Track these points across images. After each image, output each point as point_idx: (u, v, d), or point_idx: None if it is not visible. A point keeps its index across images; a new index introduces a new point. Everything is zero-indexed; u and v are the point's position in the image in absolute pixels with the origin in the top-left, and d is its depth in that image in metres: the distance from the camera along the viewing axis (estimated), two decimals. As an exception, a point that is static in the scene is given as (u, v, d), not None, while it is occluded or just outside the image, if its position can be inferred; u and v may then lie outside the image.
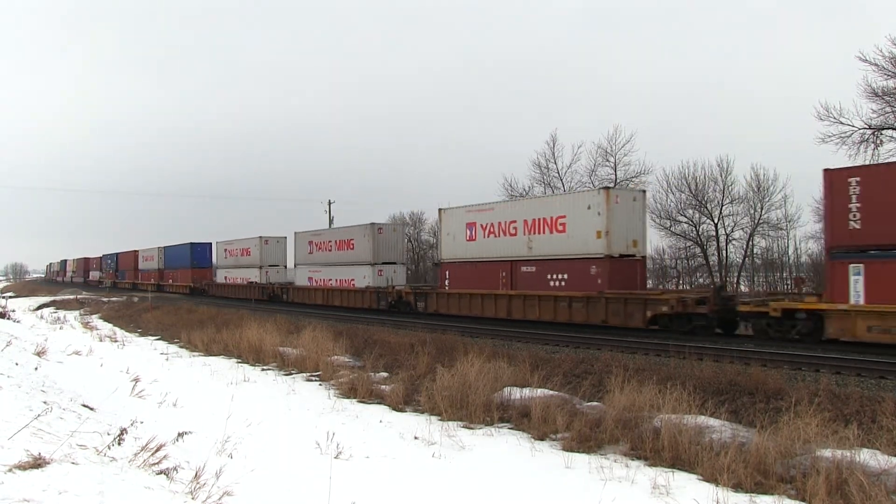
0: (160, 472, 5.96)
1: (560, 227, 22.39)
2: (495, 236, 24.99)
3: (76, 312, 38.87)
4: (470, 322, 24.39)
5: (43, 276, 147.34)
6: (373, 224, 32.73)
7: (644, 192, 23.84)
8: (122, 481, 5.36)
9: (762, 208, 38.10)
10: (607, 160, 39.62)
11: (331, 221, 56.67)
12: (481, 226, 25.68)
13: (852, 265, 15.29)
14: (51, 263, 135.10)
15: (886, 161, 15.96)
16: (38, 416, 6.65)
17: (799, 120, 76.91)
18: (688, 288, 36.36)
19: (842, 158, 33.45)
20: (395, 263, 32.81)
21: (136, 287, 65.55)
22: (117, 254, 75.74)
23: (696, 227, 39.57)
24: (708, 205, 38.86)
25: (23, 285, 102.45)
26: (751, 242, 39.69)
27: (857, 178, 15.40)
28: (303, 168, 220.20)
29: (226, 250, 50.32)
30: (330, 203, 59.35)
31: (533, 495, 7.25)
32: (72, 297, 53.51)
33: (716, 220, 38.83)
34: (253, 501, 6.32)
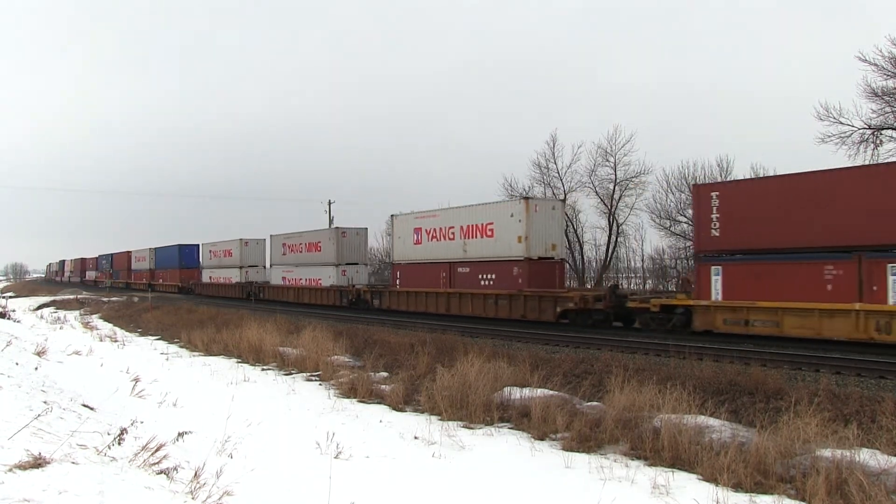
0: (160, 472, 5.96)
1: (489, 233, 25.29)
2: (437, 240, 28.12)
3: (76, 312, 38.88)
4: (417, 317, 27.03)
5: (43, 275, 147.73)
6: (337, 228, 36.06)
7: (563, 201, 26.90)
8: (122, 481, 5.36)
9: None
10: (607, 160, 39.53)
11: (331, 221, 56.60)
12: (426, 231, 28.79)
13: (713, 267, 18.09)
14: (50, 263, 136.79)
15: (742, 178, 19.82)
16: (39, 415, 6.66)
17: (799, 120, 76.89)
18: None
19: (841, 158, 33.43)
20: (357, 264, 36.04)
21: (129, 286, 68.77)
22: (112, 254, 78.85)
23: (696, 227, 39.48)
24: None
25: (23, 285, 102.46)
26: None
27: (717, 193, 18.24)
28: (303, 168, 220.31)
29: (210, 251, 53.59)
30: (330, 203, 59.34)
31: (533, 495, 7.25)
32: (72, 297, 53.51)
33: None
34: (253, 501, 6.32)
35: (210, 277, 52.66)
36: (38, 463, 5.05)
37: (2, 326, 21.46)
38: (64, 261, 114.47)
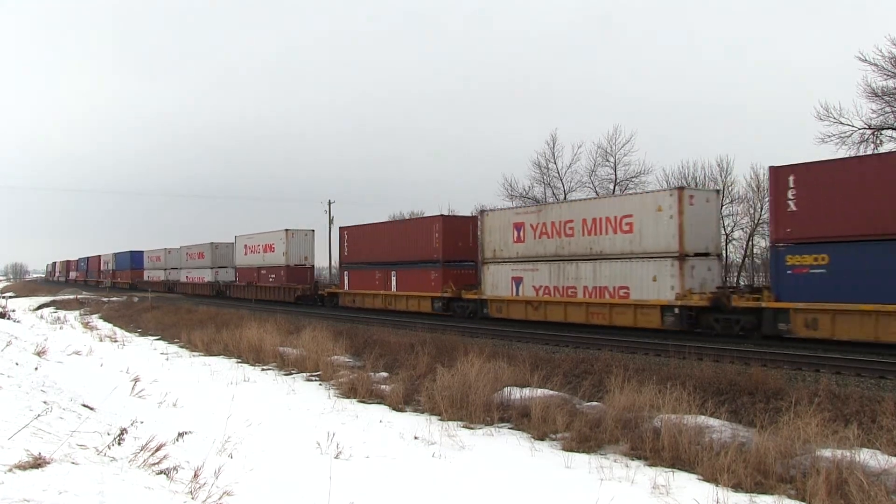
0: (160, 472, 5.96)
1: (272, 249, 42.50)
2: (254, 253, 45.32)
3: (76, 312, 38.86)
4: (242, 301, 43.06)
5: (43, 275, 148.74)
6: (212, 243, 53.10)
7: (313, 231, 42.39)
8: (122, 481, 5.36)
9: (762, 208, 37.97)
10: (607, 160, 39.68)
11: (331, 221, 56.65)
12: (249, 247, 46.37)
13: (346, 272, 35.18)
14: (48, 264, 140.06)
15: (360, 224, 35.19)
16: (38, 416, 6.65)
17: (799, 120, 76.76)
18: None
19: (841, 158, 33.17)
20: (226, 267, 51.36)
21: (99, 284, 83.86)
22: (88, 257, 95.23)
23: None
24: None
25: (23, 285, 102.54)
26: (750, 242, 39.65)
27: (347, 232, 35.20)
28: (303, 168, 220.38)
29: (148, 256, 69.29)
30: (330, 203, 59.45)
31: (533, 495, 7.24)
32: (72, 297, 53.52)
33: (715, 220, 38.63)
34: (253, 501, 6.32)
35: (148, 277, 68.23)
36: (37, 463, 5.04)
37: (2, 326, 21.45)
38: (55, 262, 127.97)
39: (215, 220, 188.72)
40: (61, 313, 37.14)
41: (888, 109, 26.97)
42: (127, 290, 63.02)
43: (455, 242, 27.87)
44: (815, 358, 14.29)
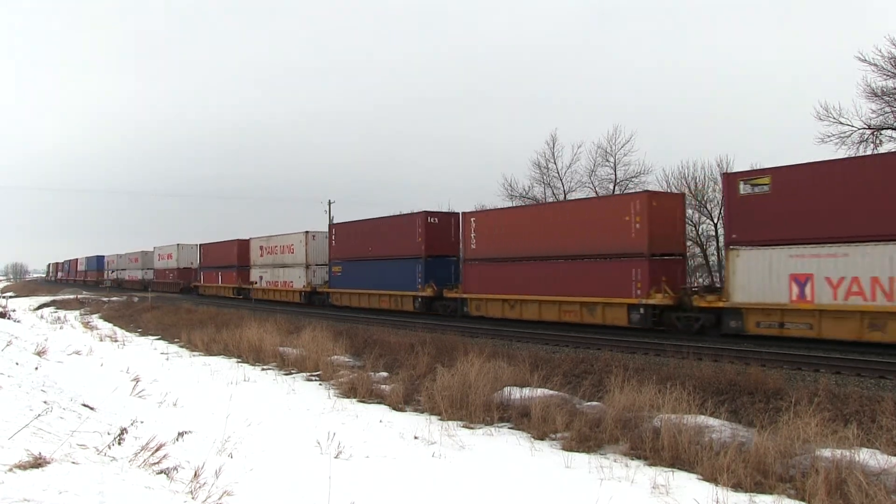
0: (160, 472, 5.96)
1: (171, 257, 60.39)
2: (162, 259, 62.96)
3: (76, 312, 38.84)
4: (161, 294, 53.64)
5: (44, 275, 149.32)
6: (143, 251, 70.36)
7: (199, 244, 57.39)
8: (123, 481, 5.36)
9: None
10: (607, 160, 39.64)
11: (331, 221, 56.78)
12: (160, 254, 63.94)
13: (202, 272, 56.21)
14: (48, 264, 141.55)
15: (213, 242, 53.98)
16: (39, 415, 6.66)
17: (799, 120, 76.73)
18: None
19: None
20: (152, 269, 66.62)
21: (76, 282, 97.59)
22: (69, 260, 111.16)
23: (695, 226, 39.44)
24: (708, 205, 38.73)
25: (23, 285, 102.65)
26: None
27: (203, 248, 56.28)
28: (303, 168, 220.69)
29: (107, 260, 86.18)
30: (330, 203, 59.68)
31: (533, 495, 7.25)
32: (72, 296, 53.53)
33: (715, 220, 38.68)
34: (253, 501, 6.32)
35: (107, 276, 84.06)
36: (38, 463, 5.04)
37: (2, 326, 21.45)
38: (50, 263, 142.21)
39: (215, 220, 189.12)
40: (61, 313, 37.13)
41: (888, 109, 26.96)
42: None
43: (246, 255, 46.79)
44: (814, 358, 14.31)
